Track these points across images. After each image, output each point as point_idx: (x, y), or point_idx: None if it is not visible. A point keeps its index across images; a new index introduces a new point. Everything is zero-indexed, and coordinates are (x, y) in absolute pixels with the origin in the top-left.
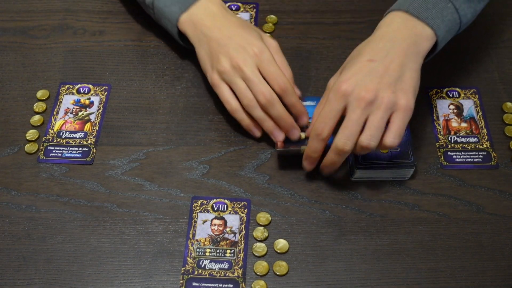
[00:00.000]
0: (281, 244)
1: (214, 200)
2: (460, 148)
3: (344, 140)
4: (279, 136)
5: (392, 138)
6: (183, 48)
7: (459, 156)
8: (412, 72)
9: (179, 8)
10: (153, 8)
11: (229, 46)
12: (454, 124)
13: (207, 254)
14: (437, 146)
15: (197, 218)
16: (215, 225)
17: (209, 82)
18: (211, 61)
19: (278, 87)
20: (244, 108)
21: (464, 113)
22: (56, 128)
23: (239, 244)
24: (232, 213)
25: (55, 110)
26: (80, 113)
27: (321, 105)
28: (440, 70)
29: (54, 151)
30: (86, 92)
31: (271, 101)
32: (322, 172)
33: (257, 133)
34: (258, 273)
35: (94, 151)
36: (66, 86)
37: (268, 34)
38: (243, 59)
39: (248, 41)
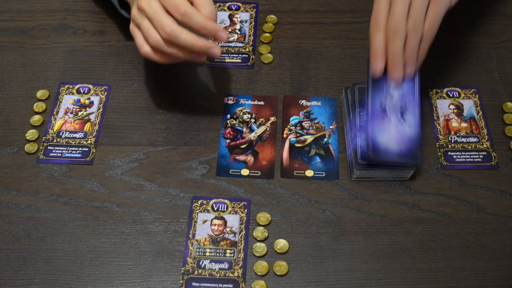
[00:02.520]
0: (281, 244)
1: (214, 200)
2: (460, 148)
3: (395, 20)
4: (199, 58)
5: (428, 24)
6: None
7: (459, 156)
8: None
9: None
10: None
11: None
12: (454, 124)
13: (207, 254)
14: (437, 146)
15: (197, 218)
16: (215, 225)
17: None
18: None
19: (177, 13)
20: (153, 48)
21: (464, 113)
22: (56, 128)
23: (239, 244)
24: (232, 213)
25: (55, 110)
26: (80, 113)
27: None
28: (440, 70)
29: (54, 151)
30: (86, 92)
31: (172, 33)
32: (393, 75)
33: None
34: (258, 273)
35: (94, 151)
36: (66, 86)
37: None
38: (146, 0)
39: None
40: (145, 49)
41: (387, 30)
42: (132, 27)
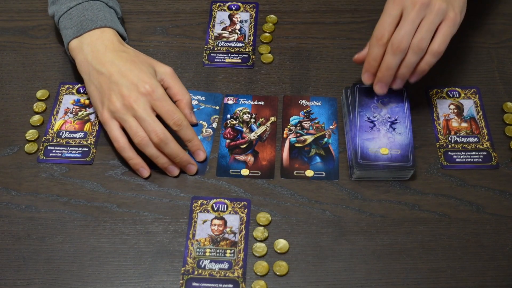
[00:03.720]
0: (281, 244)
1: (214, 200)
2: (461, 148)
3: (400, 38)
4: (174, 171)
5: (438, 43)
6: (183, 47)
7: (459, 156)
8: None
9: (72, 33)
10: (58, 28)
11: (121, 84)
12: (454, 124)
13: (207, 254)
14: (438, 146)
15: (197, 218)
16: (215, 225)
17: (99, 119)
18: (101, 98)
19: (172, 123)
20: (137, 146)
21: (465, 113)
22: (56, 128)
23: (239, 244)
24: (232, 213)
25: (55, 110)
26: (80, 113)
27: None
28: (440, 70)
29: (54, 151)
30: (86, 92)
31: (164, 139)
32: (376, 88)
33: (145, 174)
34: (258, 273)
35: (94, 151)
36: (66, 86)
37: (161, 64)
38: (135, 98)
39: (140, 78)
40: (122, 142)
41: (389, 44)
42: (108, 119)
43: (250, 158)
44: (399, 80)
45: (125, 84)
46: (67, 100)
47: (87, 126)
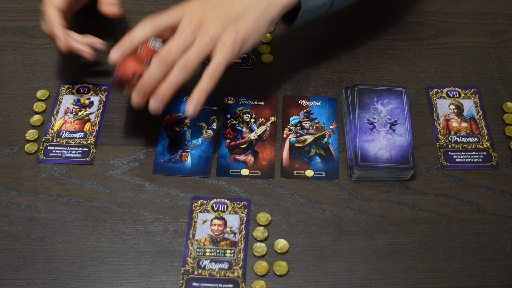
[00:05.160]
0: (281, 244)
1: (214, 200)
2: (461, 148)
3: (167, 49)
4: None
5: (206, 80)
6: None
7: (459, 156)
8: (256, 19)
9: None
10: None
11: None
12: (454, 124)
13: (207, 254)
14: (437, 146)
15: (197, 218)
16: (215, 225)
17: None
18: None
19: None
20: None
21: (465, 113)
22: (56, 128)
23: (239, 244)
24: (232, 213)
25: (55, 110)
26: (80, 113)
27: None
28: (440, 70)
29: (54, 151)
30: (86, 92)
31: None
32: (133, 96)
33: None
34: (258, 273)
35: (94, 151)
36: (66, 86)
37: None
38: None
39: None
40: None
41: (157, 54)
42: None
43: (250, 158)
44: (158, 96)
45: None
46: (67, 100)
47: (87, 126)
